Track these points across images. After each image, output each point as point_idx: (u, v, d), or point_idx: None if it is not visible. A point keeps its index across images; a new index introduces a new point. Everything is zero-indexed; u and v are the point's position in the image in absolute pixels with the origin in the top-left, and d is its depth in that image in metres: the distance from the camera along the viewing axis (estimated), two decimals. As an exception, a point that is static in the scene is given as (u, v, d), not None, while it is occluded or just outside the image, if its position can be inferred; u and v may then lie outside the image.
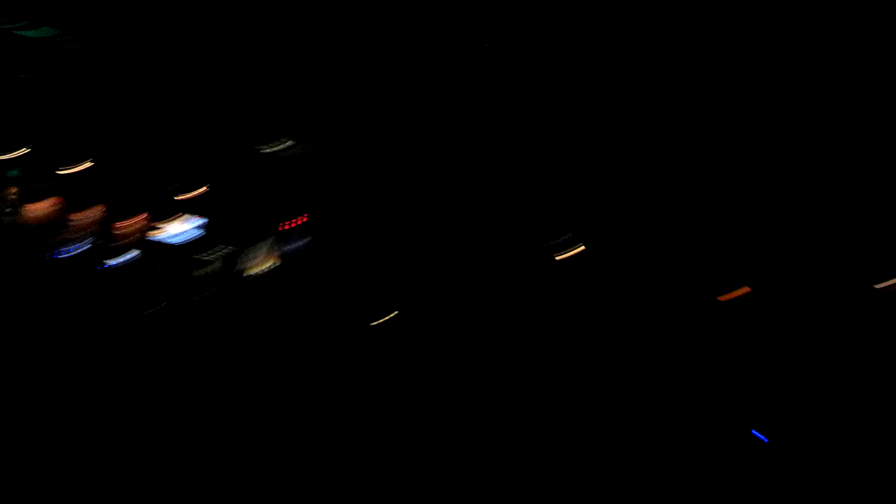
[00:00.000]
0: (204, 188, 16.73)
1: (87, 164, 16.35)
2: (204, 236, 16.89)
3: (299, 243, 15.00)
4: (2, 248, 11.30)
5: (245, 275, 16.38)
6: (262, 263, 16.15)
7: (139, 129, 15.15)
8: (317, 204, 14.84)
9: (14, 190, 15.82)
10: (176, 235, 17.19)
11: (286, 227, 15.61)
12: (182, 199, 17.01)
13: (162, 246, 16.93)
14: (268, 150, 16.02)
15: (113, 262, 15.67)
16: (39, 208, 16.15)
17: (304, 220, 15.12)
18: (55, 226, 16.01)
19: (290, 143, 15.78)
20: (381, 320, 10.79)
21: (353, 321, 9.52)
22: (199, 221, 16.95)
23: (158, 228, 17.12)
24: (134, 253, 16.22)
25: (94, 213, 16.73)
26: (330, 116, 13.27)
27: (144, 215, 17.05)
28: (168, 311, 7.83)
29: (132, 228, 17.00)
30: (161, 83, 14.83)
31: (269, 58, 11.54)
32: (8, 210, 15.60)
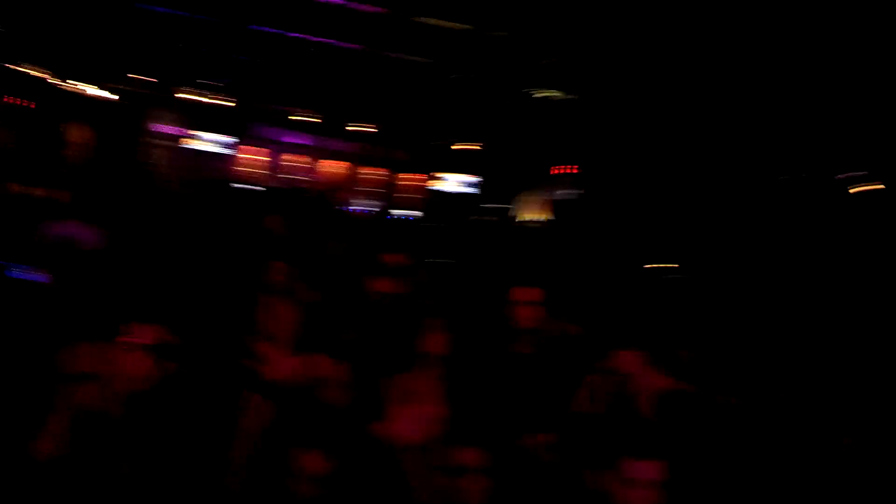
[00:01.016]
0: (477, 141, 17.07)
1: (373, 127, 17.33)
2: (480, 186, 17.29)
3: (571, 193, 14.76)
4: (304, 205, 12.42)
5: (520, 223, 16.54)
6: (535, 213, 16.17)
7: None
8: (588, 154, 14.44)
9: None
10: (454, 187, 17.79)
11: (559, 173, 15.43)
12: (458, 151, 17.52)
13: (442, 197, 17.64)
14: (539, 96, 15.83)
15: (397, 214, 16.60)
16: (333, 168, 17.50)
17: (575, 169, 14.82)
18: (347, 183, 17.30)
19: (559, 91, 15.48)
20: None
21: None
22: (474, 175, 17.37)
23: (437, 180, 17.84)
24: (417, 206, 17.07)
25: (380, 170, 17.81)
26: (606, 64, 12.74)
27: (423, 170, 17.85)
28: (445, 265, 8.00)
29: (414, 183, 17.88)
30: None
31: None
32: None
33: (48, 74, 14.54)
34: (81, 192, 9.36)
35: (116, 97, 15.90)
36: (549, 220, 15.41)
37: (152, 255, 5.55)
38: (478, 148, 17.40)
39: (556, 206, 15.31)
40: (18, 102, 14.29)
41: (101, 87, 15.65)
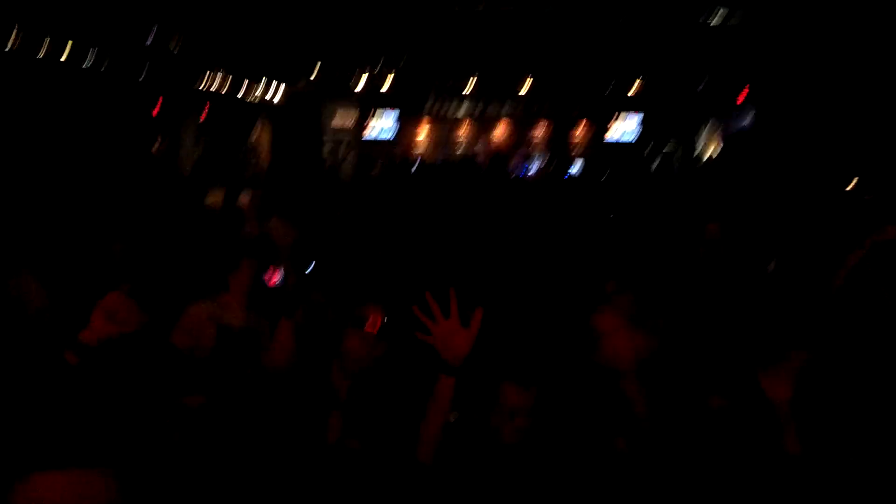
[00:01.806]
0: (639, 81, 16.50)
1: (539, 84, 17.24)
2: (648, 130, 16.75)
3: (744, 122, 13.99)
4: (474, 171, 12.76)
5: (695, 161, 15.90)
6: (708, 147, 15.48)
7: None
8: (760, 76, 13.57)
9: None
10: (625, 133, 17.37)
11: (733, 104, 14.64)
12: (630, 96, 17.05)
13: (613, 147, 17.30)
14: (709, 22, 15.06)
15: (571, 171, 16.46)
16: (503, 133, 17.63)
17: (746, 93, 13.98)
18: (514, 146, 17.38)
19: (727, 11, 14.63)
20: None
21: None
22: (640, 116, 16.84)
23: (606, 130, 17.48)
24: (583, 159, 16.83)
25: (543, 129, 17.72)
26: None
27: (586, 121, 17.54)
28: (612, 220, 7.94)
29: (581, 136, 17.62)
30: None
31: None
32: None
33: (223, 77, 14.94)
34: (273, 195, 10.20)
35: (289, 94, 16.62)
36: (726, 154, 14.71)
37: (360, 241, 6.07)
38: (648, 89, 16.83)
39: (733, 138, 14.58)
40: (204, 113, 14.98)
41: (275, 86, 16.40)
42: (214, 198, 12.84)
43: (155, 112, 12.97)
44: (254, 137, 16.18)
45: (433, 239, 6.15)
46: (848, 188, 9.64)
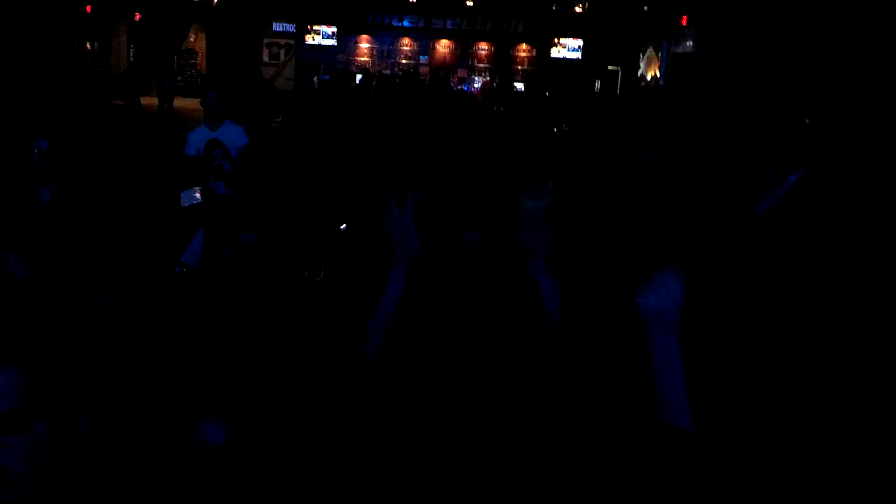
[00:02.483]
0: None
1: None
2: (591, 49, 16.72)
3: (687, 44, 14.06)
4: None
5: (637, 81, 16.01)
6: (650, 68, 15.59)
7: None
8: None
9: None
10: (569, 51, 17.31)
11: (677, 25, 14.70)
12: (573, 14, 16.93)
13: (557, 63, 17.29)
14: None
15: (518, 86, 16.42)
16: (446, 48, 17.34)
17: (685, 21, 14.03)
18: (457, 61, 17.14)
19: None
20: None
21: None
22: (591, 37, 16.68)
23: (552, 46, 17.41)
24: (533, 75, 16.74)
25: (486, 45, 17.43)
26: None
27: (539, 39, 17.33)
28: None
29: (530, 53, 17.47)
30: None
31: None
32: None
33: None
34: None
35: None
36: (667, 77, 14.85)
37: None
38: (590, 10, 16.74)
39: (675, 60, 14.68)
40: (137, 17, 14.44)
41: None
42: (148, 100, 12.45)
43: (88, 8, 12.42)
44: (191, 39, 15.68)
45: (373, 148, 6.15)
46: (788, 113, 9.85)
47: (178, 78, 14.25)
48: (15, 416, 0.85)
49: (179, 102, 12.76)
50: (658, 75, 15.24)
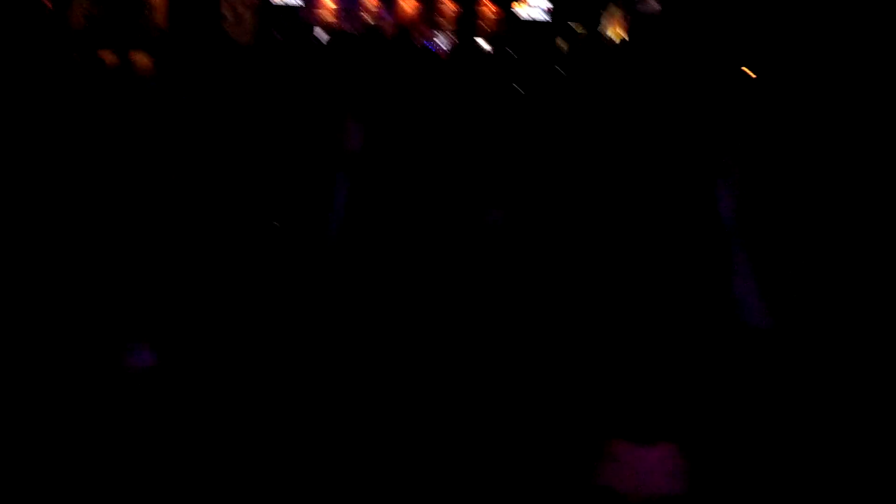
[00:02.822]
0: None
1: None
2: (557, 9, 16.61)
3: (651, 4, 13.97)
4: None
5: (605, 41, 15.90)
6: (613, 29, 15.49)
7: None
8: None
9: None
10: (534, 10, 17.17)
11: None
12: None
13: (526, 23, 17.12)
14: None
15: (483, 46, 16.25)
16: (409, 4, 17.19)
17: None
18: (422, 20, 16.99)
19: None
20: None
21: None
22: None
23: (519, 4, 17.24)
24: (498, 35, 16.61)
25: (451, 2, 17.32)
26: None
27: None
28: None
29: (492, 11, 17.34)
30: None
31: None
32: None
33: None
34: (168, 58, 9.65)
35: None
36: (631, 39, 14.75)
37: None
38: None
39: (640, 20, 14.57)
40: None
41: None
42: (110, 56, 12.17)
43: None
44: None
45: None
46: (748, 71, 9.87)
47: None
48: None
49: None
50: (625, 37, 15.14)
